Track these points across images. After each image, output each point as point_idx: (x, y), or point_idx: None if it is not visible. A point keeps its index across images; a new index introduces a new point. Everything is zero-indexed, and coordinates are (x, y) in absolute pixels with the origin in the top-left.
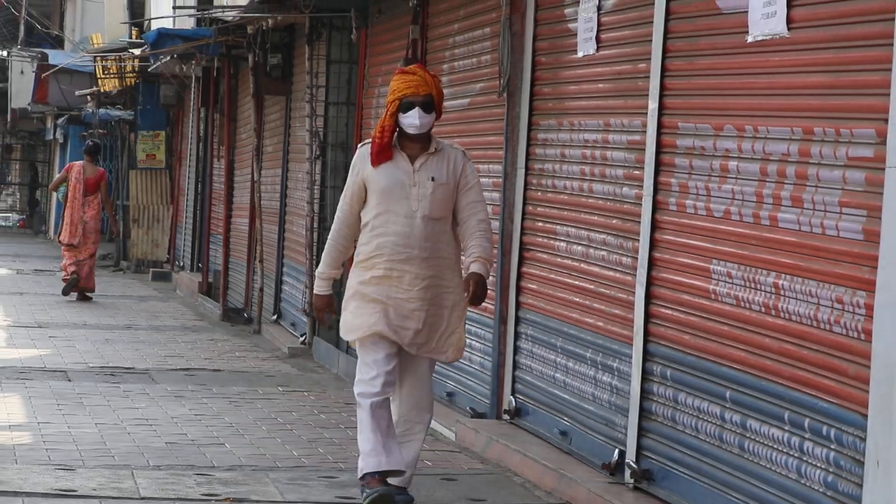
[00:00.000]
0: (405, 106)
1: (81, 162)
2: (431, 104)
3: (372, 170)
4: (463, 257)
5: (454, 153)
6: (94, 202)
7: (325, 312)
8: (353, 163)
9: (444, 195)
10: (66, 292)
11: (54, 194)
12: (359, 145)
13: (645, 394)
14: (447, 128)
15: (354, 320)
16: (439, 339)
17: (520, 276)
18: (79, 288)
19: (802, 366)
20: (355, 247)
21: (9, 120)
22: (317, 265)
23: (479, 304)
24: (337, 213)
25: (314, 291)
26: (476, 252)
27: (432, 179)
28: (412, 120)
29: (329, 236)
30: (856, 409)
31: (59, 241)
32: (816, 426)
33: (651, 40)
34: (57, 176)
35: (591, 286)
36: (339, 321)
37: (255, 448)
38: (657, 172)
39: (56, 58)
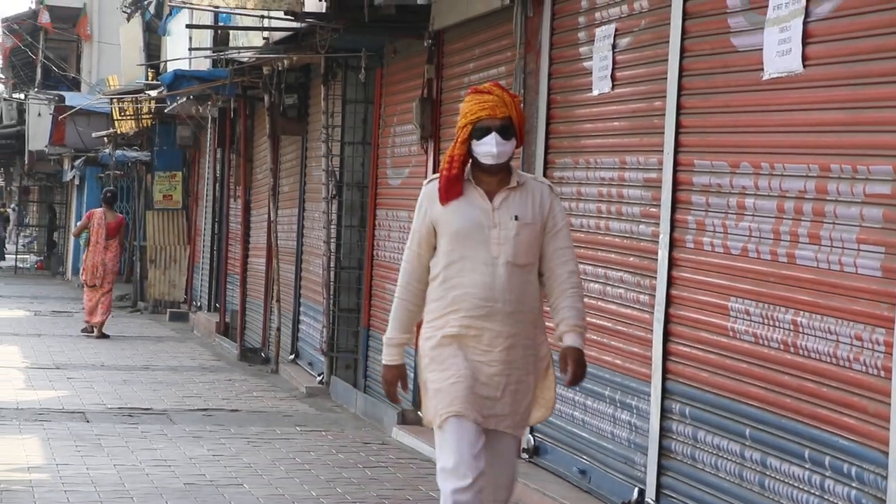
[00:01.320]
0: (479, 131)
1: (101, 209)
2: (511, 129)
3: (442, 209)
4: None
5: (540, 188)
6: (113, 245)
7: (398, 387)
8: (418, 203)
9: (529, 237)
10: (86, 332)
11: (80, 241)
12: (425, 182)
13: (664, 432)
14: None
15: (432, 399)
16: (525, 411)
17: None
18: (98, 330)
19: (822, 403)
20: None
21: (26, 162)
22: (334, 305)
23: (578, 384)
24: (403, 266)
25: (383, 362)
26: (570, 319)
27: (515, 219)
28: (488, 148)
29: (396, 294)
30: (877, 447)
31: (84, 282)
32: (837, 464)
33: (666, 78)
34: (79, 223)
35: (609, 324)
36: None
37: (273, 488)
38: (674, 210)
39: (73, 100)
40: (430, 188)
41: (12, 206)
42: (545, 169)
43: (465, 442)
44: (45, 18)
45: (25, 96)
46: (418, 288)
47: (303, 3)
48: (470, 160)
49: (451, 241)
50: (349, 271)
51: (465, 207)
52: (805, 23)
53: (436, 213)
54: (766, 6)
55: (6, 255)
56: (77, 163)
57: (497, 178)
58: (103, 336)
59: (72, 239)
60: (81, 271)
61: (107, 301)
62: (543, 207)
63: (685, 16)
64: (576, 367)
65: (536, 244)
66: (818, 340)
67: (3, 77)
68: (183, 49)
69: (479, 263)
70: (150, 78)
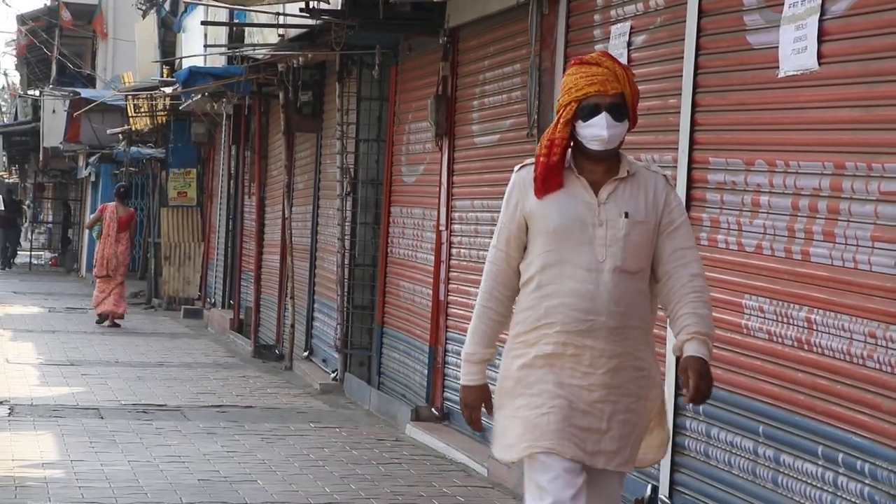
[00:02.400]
0: (587, 110)
1: (114, 203)
2: (624, 108)
3: (536, 202)
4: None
5: (653, 178)
6: (125, 238)
7: (482, 411)
8: (507, 193)
9: (641, 238)
10: (99, 323)
11: (87, 232)
12: (516, 168)
13: (677, 429)
14: (477, 163)
15: (515, 428)
16: (634, 445)
17: None
18: (111, 320)
19: (836, 400)
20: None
21: (41, 159)
22: (348, 302)
23: (703, 402)
24: (487, 267)
25: (461, 382)
26: (693, 325)
27: (626, 215)
28: (597, 131)
29: (478, 301)
30: (890, 444)
31: (95, 275)
32: (850, 461)
33: (681, 76)
34: (92, 216)
35: None
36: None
37: (287, 485)
38: (689, 207)
39: (88, 95)
40: (522, 176)
41: (27, 202)
42: None
43: (560, 483)
44: (65, 16)
45: (40, 93)
46: (505, 295)
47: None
48: (571, 144)
49: (548, 242)
50: (363, 268)
51: (565, 201)
52: (821, 20)
53: (530, 206)
54: (782, 4)
55: (19, 252)
56: (92, 159)
57: (604, 166)
58: (115, 325)
59: (86, 236)
60: (95, 264)
61: (119, 292)
62: (658, 202)
63: (700, 13)
64: (699, 380)
65: (649, 246)
66: (832, 338)
67: (6, 75)
68: (198, 46)
69: (581, 269)
70: (165, 75)
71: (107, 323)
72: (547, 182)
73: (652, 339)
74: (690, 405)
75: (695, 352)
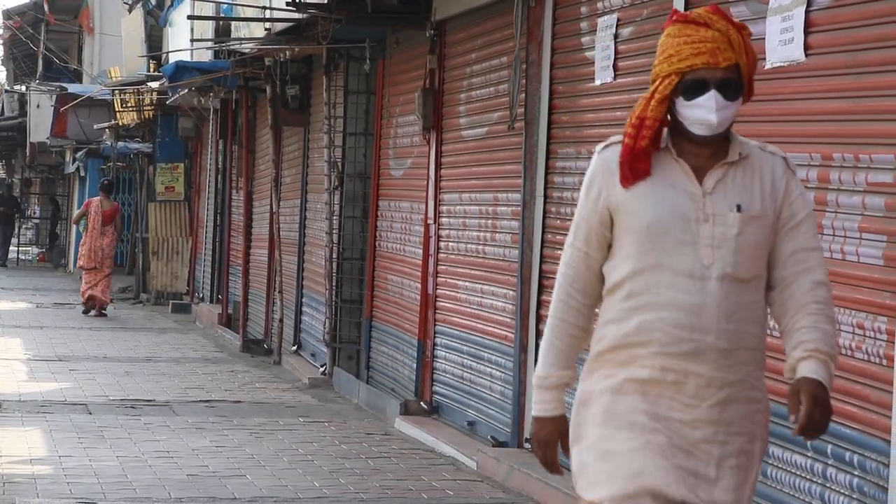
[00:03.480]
0: (691, 87)
1: (98, 197)
2: (739, 82)
3: (623, 193)
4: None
5: (771, 161)
6: (110, 232)
7: (558, 449)
8: (588, 179)
9: (756, 237)
10: (86, 313)
11: (74, 228)
12: (597, 148)
13: None
14: (464, 157)
15: (599, 464)
16: (750, 498)
17: (539, 304)
18: (97, 309)
19: None
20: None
21: (28, 154)
22: (336, 296)
23: (816, 436)
24: (562, 271)
25: (534, 413)
26: (812, 342)
27: (738, 209)
28: (703, 114)
29: (551, 312)
30: (878, 435)
31: (80, 267)
32: (839, 452)
33: None
34: (77, 211)
35: None
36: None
37: (276, 479)
38: None
39: (75, 91)
40: (607, 158)
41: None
42: (547, 159)
43: None
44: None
45: (27, 88)
46: (584, 304)
47: None
48: (666, 124)
49: (640, 241)
50: (351, 262)
51: (662, 191)
52: (807, 12)
53: (616, 196)
54: None
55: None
56: (79, 154)
57: (710, 149)
58: (101, 314)
59: (74, 231)
60: (79, 256)
61: (106, 283)
62: (777, 191)
63: (687, 5)
64: (812, 408)
65: (766, 247)
66: None
67: None
68: (184, 40)
69: (682, 276)
70: (151, 69)
71: (93, 312)
72: (636, 167)
73: (765, 363)
74: (802, 438)
75: (812, 373)
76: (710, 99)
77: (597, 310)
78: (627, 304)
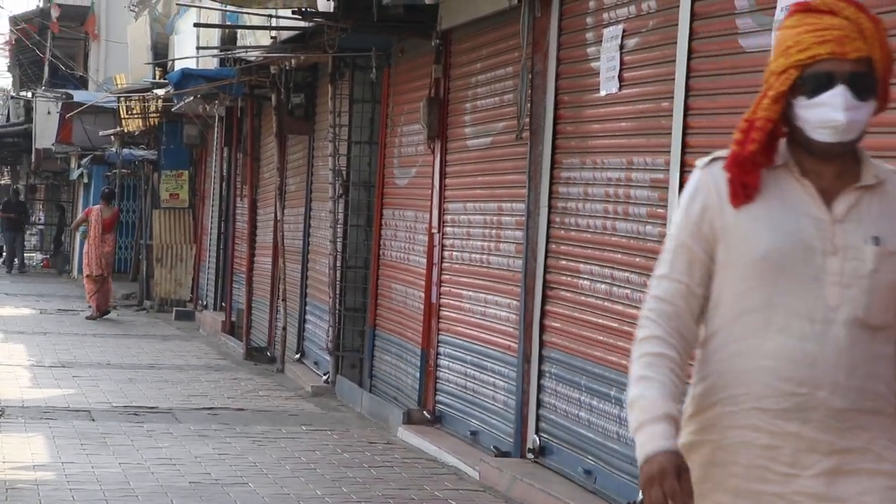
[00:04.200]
0: (814, 82)
1: (99, 206)
2: (871, 79)
3: (733, 215)
4: None
5: None
6: (110, 240)
7: (675, 484)
8: (687, 197)
9: (894, 276)
10: (93, 318)
11: (77, 235)
12: (700, 162)
13: None
14: (469, 166)
15: None
16: None
17: (543, 314)
18: (99, 312)
19: None
20: None
21: (33, 160)
22: (340, 304)
23: None
24: (651, 304)
25: (638, 454)
26: None
27: (874, 242)
28: (829, 113)
29: (638, 351)
30: None
31: (87, 276)
32: None
33: (674, 79)
34: (77, 218)
35: (615, 324)
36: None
37: (278, 487)
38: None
39: (80, 98)
40: (713, 174)
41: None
42: (552, 169)
43: None
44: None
45: (33, 94)
46: (682, 347)
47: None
48: (784, 131)
49: (750, 274)
50: (355, 270)
51: (780, 214)
52: None
53: (725, 219)
54: (774, 7)
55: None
56: (84, 161)
57: (835, 167)
58: (106, 314)
59: (77, 238)
60: (85, 265)
61: (106, 287)
62: None
63: (693, 17)
64: None
65: None
66: None
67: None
68: (191, 48)
69: (799, 318)
70: (157, 76)
71: (97, 316)
72: (748, 183)
73: None
74: None
75: None
76: (838, 95)
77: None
78: (723, 355)
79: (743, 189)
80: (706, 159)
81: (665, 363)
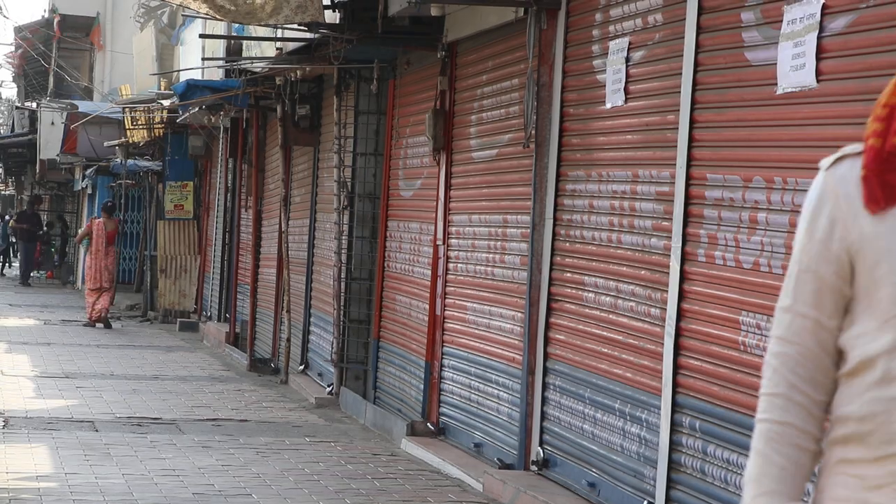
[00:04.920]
0: None
1: (101, 218)
2: None
3: (872, 224)
4: None
5: None
6: (112, 252)
7: None
8: (810, 210)
9: None
10: (91, 325)
11: (81, 247)
12: (823, 163)
13: (674, 445)
14: (474, 178)
15: None
16: None
17: (548, 326)
18: (102, 320)
19: None
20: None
21: (38, 171)
22: (344, 316)
23: None
24: (775, 347)
25: None
26: None
27: None
28: None
29: (761, 411)
30: None
31: (89, 288)
32: None
33: (680, 92)
34: (81, 230)
35: (620, 337)
36: None
37: (282, 499)
38: (686, 224)
39: (85, 109)
40: (841, 176)
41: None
42: (557, 181)
43: None
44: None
45: (38, 105)
46: (814, 401)
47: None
48: None
49: None
50: (360, 282)
51: None
52: (819, 38)
53: (860, 231)
54: (781, 21)
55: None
56: (88, 172)
57: None
58: (107, 325)
59: (82, 249)
60: (87, 277)
61: (108, 295)
62: None
63: (699, 30)
64: None
65: None
66: None
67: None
68: (196, 59)
69: None
70: (162, 87)
71: (100, 325)
72: (884, 183)
73: None
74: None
75: None
76: None
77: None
78: (883, 393)
79: (884, 190)
80: (830, 159)
81: (789, 436)
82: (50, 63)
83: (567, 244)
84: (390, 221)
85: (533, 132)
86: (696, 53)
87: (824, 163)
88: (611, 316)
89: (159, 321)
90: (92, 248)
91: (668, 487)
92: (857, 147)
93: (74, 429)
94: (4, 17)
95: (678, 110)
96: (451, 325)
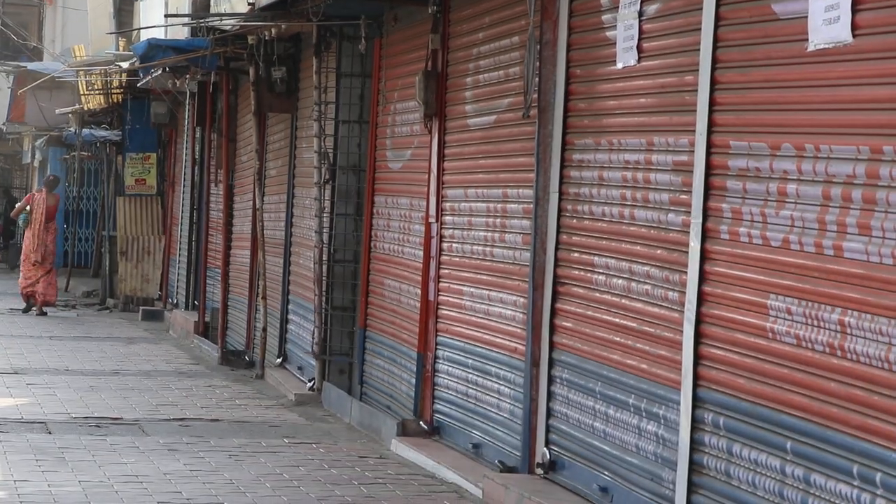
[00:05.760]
0: None
1: (42, 192)
2: None
3: None
4: None
5: None
6: (52, 228)
7: None
8: None
9: None
10: (26, 311)
11: (19, 222)
12: None
13: (695, 445)
14: (471, 148)
15: None
16: None
17: (553, 313)
18: (38, 307)
19: (872, 413)
20: None
21: None
22: (327, 303)
23: None
24: None
25: None
26: None
27: None
28: None
29: None
30: None
31: (25, 260)
32: (889, 481)
33: (699, 50)
34: (18, 204)
35: (634, 324)
36: None
37: None
38: (706, 197)
39: (35, 69)
40: None
41: None
42: (563, 151)
43: None
44: None
45: None
46: None
47: None
48: None
49: None
50: (343, 265)
51: None
52: None
53: None
54: None
55: None
56: (39, 142)
57: None
58: (42, 314)
59: (20, 225)
60: (23, 250)
61: (49, 279)
62: None
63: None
64: None
65: None
66: (868, 343)
67: None
68: (158, 16)
69: None
70: (121, 48)
71: (34, 311)
72: None
73: None
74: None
75: None
76: None
77: None
78: None
79: None
80: None
81: None
82: None
83: (574, 221)
84: (377, 197)
85: (535, 96)
86: (718, 6)
87: None
88: (624, 301)
89: (119, 309)
90: (32, 222)
91: (690, 492)
92: None
93: (25, 431)
94: None
95: (697, 70)
96: (446, 312)
